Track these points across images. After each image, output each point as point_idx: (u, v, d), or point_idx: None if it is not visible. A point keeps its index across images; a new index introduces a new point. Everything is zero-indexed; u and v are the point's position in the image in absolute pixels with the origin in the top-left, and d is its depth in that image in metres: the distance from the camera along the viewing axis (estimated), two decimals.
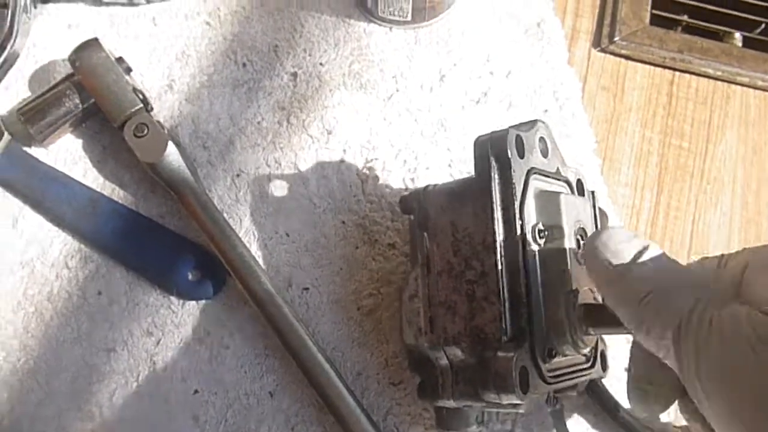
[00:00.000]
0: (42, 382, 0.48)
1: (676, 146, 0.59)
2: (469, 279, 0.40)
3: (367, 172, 0.54)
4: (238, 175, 0.54)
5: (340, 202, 0.53)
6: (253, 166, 0.54)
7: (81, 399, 0.48)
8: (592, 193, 0.47)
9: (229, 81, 0.56)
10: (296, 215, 0.53)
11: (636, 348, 0.39)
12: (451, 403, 0.41)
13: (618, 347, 0.49)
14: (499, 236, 0.39)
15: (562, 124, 0.57)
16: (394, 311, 0.50)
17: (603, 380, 0.47)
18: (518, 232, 0.38)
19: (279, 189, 0.53)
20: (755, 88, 0.62)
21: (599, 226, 0.46)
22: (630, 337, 0.41)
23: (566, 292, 0.39)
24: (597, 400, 0.47)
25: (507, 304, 0.38)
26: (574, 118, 0.58)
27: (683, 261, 0.52)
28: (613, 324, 0.39)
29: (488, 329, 0.38)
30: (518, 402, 0.40)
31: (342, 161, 0.54)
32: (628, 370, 0.40)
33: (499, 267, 0.38)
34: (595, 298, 0.41)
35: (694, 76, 0.62)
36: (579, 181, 0.45)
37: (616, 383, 0.48)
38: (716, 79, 0.62)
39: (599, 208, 0.47)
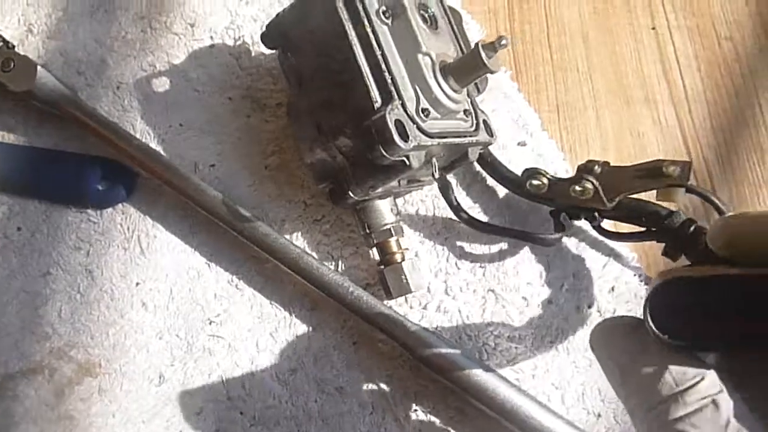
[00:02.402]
0: None
1: None
2: (335, 70, 0.43)
3: (239, 50, 0.57)
4: (118, 88, 0.55)
5: (221, 83, 0.56)
6: (131, 75, 0.56)
7: (32, 324, 0.50)
8: None
9: (86, 9, 0.57)
10: (184, 105, 0.55)
11: None
12: (359, 193, 0.45)
13: (500, 120, 0.53)
14: (346, 21, 0.42)
15: None
16: (298, 160, 0.53)
17: (493, 151, 0.51)
18: (362, 12, 0.42)
19: (161, 87, 0.56)
20: None
21: (450, 19, 0.49)
22: None
23: (423, 54, 0.43)
24: (489, 169, 0.51)
25: (370, 76, 0.41)
26: None
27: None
28: (472, 71, 0.43)
29: (362, 105, 0.42)
30: (425, 179, 0.44)
31: (212, 47, 0.57)
32: None
33: (355, 48, 0.42)
34: (452, 58, 0.45)
35: None
36: None
37: (500, 151, 0.52)
38: None
39: (449, 7, 0.50)
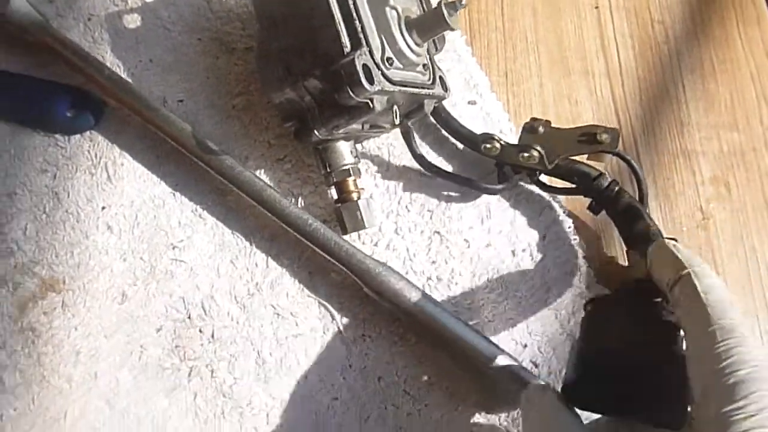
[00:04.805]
0: None
1: None
2: (305, 15, 0.46)
3: None
4: (89, 20, 0.57)
5: (191, 23, 0.58)
6: (102, 9, 0.57)
7: None
8: None
9: None
10: (154, 42, 0.57)
11: None
12: (323, 132, 0.48)
13: (453, 79, 0.58)
14: None
15: None
16: (265, 103, 0.56)
17: (447, 107, 0.56)
18: None
19: (132, 23, 0.57)
20: None
21: None
22: None
23: (390, 8, 0.47)
24: (443, 123, 0.56)
25: (341, 23, 0.45)
26: None
27: None
28: (434, 27, 0.48)
29: (332, 50, 0.45)
30: (385, 125, 0.49)
31: None
32: None
33: None
34: (415, 14, 0.49)
35: None
36: None
37: (452, 107, 0.57)
38: None
39: None
